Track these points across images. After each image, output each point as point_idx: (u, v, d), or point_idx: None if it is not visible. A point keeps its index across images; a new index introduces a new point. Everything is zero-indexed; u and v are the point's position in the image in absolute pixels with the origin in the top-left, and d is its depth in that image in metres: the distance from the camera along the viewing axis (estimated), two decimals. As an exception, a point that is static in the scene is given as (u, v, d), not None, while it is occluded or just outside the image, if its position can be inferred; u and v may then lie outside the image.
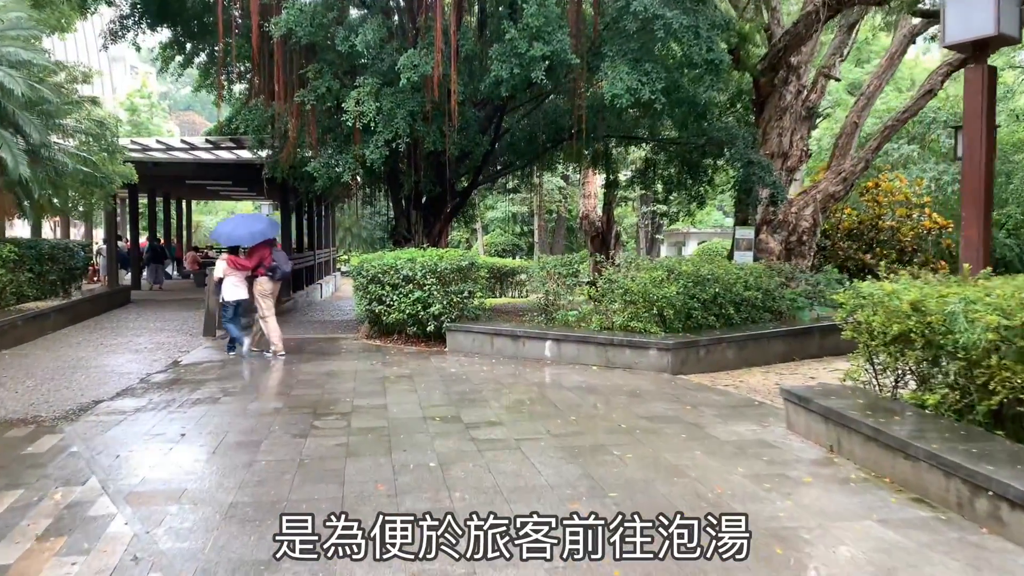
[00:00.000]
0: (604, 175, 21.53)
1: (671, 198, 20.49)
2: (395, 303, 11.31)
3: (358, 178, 17.58)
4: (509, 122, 16.47)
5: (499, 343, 10.54)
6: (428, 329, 11.17)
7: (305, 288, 23.35)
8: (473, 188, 16.94)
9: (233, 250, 10.99)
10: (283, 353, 10.67)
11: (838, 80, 16.16)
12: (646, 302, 9.70)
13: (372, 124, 11.83)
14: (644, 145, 19.19)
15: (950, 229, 17.95)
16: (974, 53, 7.52)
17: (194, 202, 39.24)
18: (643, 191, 20.88)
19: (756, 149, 14.92)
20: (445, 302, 11.02)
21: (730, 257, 15.50)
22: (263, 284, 10.85)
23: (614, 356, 9.49)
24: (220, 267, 10.84)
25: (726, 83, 12.84)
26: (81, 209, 16.16)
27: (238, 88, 18.92)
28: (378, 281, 11.55)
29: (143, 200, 25.85)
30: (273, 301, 11.00)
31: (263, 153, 16.32)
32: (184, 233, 33.16)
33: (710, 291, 10.07)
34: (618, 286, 10.05)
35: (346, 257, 32.27)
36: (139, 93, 45.78)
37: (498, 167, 18.56)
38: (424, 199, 15.89)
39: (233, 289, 10.80)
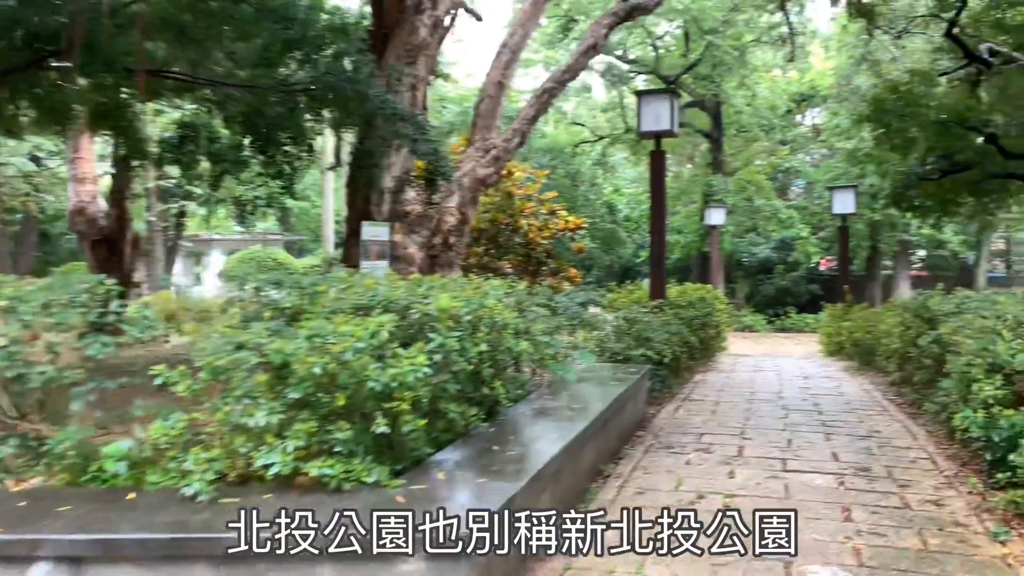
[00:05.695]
0: (114, 147, 13.65)
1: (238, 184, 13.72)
2: None
3: None
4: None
5: None
6: None
7: None
8: None
9: None
10: None
11: (479, 19, 11.66)
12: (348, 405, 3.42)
13: None
14: (185, 96, 12.02)
15: (582, 232, 15.07)
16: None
17: None
18: (183, 173, 13.62)
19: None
20: None
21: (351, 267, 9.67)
22: None
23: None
24: None
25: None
26: None
27: None
28: None
29: None
30: None
31: None
32: None
33: (479, 344, 4.26)
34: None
35: None
36: None
37: None
38: None
39: None
